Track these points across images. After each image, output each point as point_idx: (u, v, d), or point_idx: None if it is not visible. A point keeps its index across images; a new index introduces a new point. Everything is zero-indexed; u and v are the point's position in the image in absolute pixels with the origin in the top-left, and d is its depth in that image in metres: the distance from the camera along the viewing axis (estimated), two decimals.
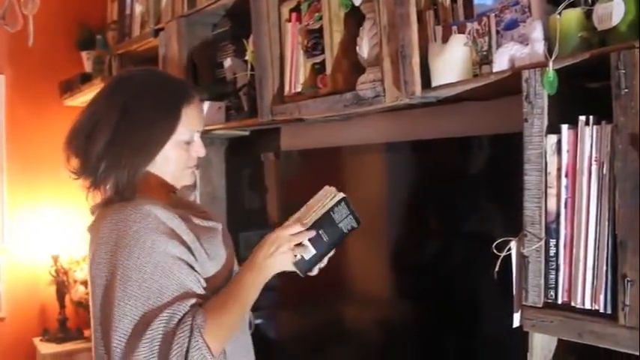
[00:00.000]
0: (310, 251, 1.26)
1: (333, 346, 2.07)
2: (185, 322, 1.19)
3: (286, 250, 1.25)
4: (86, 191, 1.33)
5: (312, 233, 1.26)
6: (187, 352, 1.17)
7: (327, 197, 1.30)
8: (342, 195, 1.30)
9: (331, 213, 1.28)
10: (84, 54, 3.55)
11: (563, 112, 1.10)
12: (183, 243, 1.27)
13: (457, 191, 1.61)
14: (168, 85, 1.39)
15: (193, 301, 1.23)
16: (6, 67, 3.54)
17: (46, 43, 3.47)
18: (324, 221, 1.28)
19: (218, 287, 1.30)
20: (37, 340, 3.50)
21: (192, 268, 1.27)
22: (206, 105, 2.06)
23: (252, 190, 2.46)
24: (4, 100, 3.53)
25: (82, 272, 3.47)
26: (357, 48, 1.56)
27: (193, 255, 1.28)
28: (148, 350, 1.18)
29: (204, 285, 1.28)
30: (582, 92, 1.17)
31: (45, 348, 3.38)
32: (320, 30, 1.67)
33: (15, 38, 3.05)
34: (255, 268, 1.26)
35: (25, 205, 3.56)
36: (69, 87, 3.52)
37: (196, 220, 1.36)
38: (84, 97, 3.40)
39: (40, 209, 3.59)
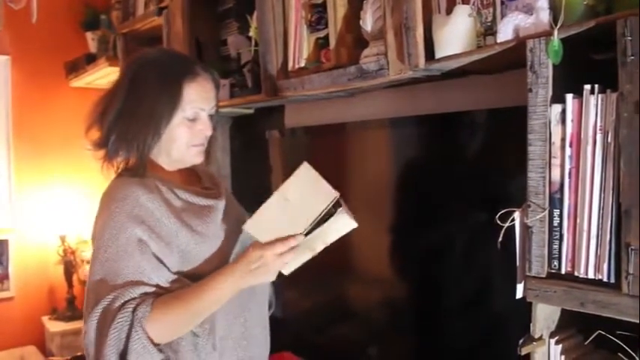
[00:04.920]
0: (291, 266, 1.26)
1: (341, 321, 2.08)
2: (126, 308, 1.19)
3: (270, 269, 1.23)
4: (101, 162, 1.36)
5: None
6: (128, 339, 1.18)
7: (339, 221, 1.22)
8: (355, 225, 1.24)
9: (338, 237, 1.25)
10: (89, 34, 3.54)
11: (567, 82, 1.08)
12: (154, 229, 1.27)
13: (462, 166, 1.60)
14: (173, 61, 1.39)
15: (145, 289, 1.23)
16: (11, 48, 3.53)
17: (51, 24, 3.47)
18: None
19: (215, 265, 1.30)
20: (45, 319, 3.55)
21: (158, 258, 1.26)
22: None
23: (257, 167, 2.46)
24: (9, 81, 3.53)
25: (89, 252, 3.49)
26: (361, 22, 1.54)
27: (164, 241, 1.27)
28: (93, 327, 1.21)
29: (169, 277, 1.27)
30: (587, 64, 1.16)
31: (53, 326, 3.43)
32: (324, 4, 1.66)
33: (19, 19, 3.05)
34: (229, 279, 1.24)
35: (32, 186, 3.58)
36: (74, 68, 3.52)
37: (194, 199, 1.37)
38: (89, 78, 3.41)
39: (47, 190, 3.61)
